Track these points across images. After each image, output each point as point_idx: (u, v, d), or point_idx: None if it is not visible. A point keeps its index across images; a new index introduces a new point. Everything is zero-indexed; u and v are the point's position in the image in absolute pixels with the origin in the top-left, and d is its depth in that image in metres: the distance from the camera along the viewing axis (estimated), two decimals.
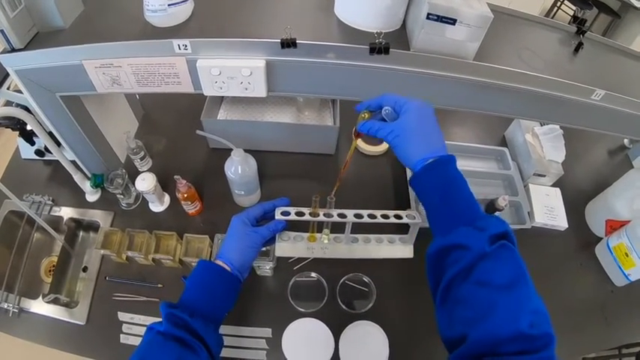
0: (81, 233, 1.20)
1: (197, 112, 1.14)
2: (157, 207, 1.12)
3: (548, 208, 1.17)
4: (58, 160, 1.01)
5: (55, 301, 0.98)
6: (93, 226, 1.18)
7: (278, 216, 0.80)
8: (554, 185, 1.23)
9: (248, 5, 0.83)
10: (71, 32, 0.79)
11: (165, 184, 1.15)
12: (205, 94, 0.81)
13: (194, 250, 1.01)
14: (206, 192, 1.15)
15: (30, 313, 0.97)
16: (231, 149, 0.95)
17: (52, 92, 0.84)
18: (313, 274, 1.02)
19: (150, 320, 0.94)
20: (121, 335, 0.93)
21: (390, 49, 0.72)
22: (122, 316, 0.95)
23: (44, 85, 0.82)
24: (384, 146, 1.24)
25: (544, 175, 1.20)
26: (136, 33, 0.78)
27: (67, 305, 0.99)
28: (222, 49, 0.74)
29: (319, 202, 0.78)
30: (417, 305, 0.97)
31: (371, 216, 0.81)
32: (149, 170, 1.17)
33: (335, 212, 0.81)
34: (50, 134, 0.95)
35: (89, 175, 1.10)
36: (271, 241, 0.82)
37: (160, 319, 0.65)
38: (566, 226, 1.15)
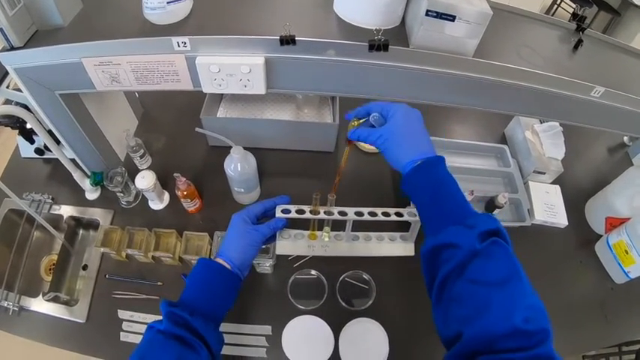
0: (81, 231, 1.20)
1: (196, 109, 1.14)
2: (157, 205, 1.12)
3: (548, 206, 1.17)
4: (57, 159, 1.01)
5: (55, 300, 0.98)
6: (93, 224, 1.18)
7: (278, 214, 0.80)
8: (554, 183, 1.23)
9: (247, 2, 0.83)
10: (70, 30, 0.79)
11: (165, 181, 1.15)
12: (204, 91, 0.81)
13: (194, 247, 1.01)
14: (206, 190, 1.15)
15: (30, 311, 0.97)
16: (230, 147, 0.95)
17: (51, 90, 0.84)
18: (313, 272, 1.02)
19: (150, 318, 0.94)
20: (121, 333, 0.93)
21: (389, 46, 0.71)
22: (122, 313, 0.95)
23: (43, 84, 0.82)
24: None
25: (544, 173, 1.20)
26: (135, 30, 0.77)
27: (67, 303, 0.99)
28: (222, 47, 0.74)
29: (319, 200, 0.78)
30: (417, 302, 0.97)
31: (372, 214, 0.81)
32: (149, 168, 1.17)
33: (336, 210, 0.81)
34: (50, 132, 0.95)
35: (89, 174, 1.10)
36: (272, 239, 0.82)
37: (160, 317, 0.65)
38: (566, 223, 1.15)
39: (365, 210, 0.81)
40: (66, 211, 1.12)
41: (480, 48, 0.75)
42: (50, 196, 1.13)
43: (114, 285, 0.99)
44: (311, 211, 0.81)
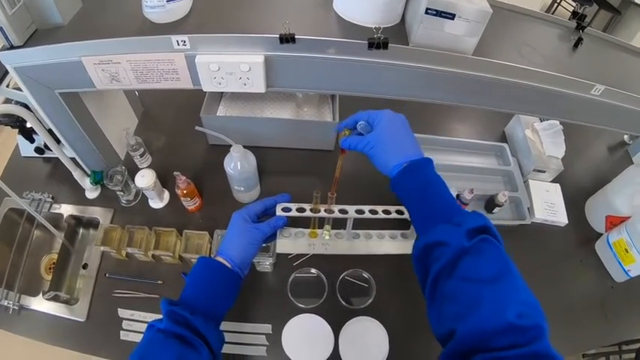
0: (81, 230, 1.20)
1: (196, 108, 1.14)
2: (157, 203, 1.12)
3: (548, 204, 1.17)
4: (57, 158, 1.01)
5: (55, 299, 0.99)
6: (93, 223, 1.18)
7: (279, 212, 0.80)
8: (554, 181, 1.23)
9: (247, 1, 0.83)
10: (70, 29, 0.79)
11: (165, 180, 1.15)
12: (204, 89, 0.81)
13: (194, 246, 1.01)
14: (205, 188, 1.15)
15: (30, 310, 0.97)
16: (230, 145, 0.95)
17: (51, 89, 0.84)
18: (313, 270, 1.02)
19: (150, 317, 0.94)
20: (121, 332, 0.93)
21: (389, 44, 0.71)
22: (122, 312, 0.95)
23: (43, 82, 0.82)
24: None
25: (544, 171, 1.20)
26: (134, 29, 0.77)
27: (67, 302, 0.99)
28: (221, 45, 0.74)
29: (320, 198, 0.78)
30: (416, 301, 0.96)
31: (372, 212, 0.81)
32: (149, 167, 1.17)
33: (336, 208, 0.81)
34: (50, 131, 0.95)
35: (89, 172, 1.10)
36: (272, 237, 0.82)
37: (160, 316, 0.65)
38: (566, 222, 1.15)
39: (366, 208, 0.81)
40: (66, 210, 1.12)
41: (479, 46, 0.75)
42: (50, 195, 1.13)
43: (114, 284, 0.99)
44: (311, 210, 0.81)
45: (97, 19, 0.82)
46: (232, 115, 1.26)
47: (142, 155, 1.17)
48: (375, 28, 0.71)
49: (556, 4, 3.88)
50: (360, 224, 0.84)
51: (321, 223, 0.86)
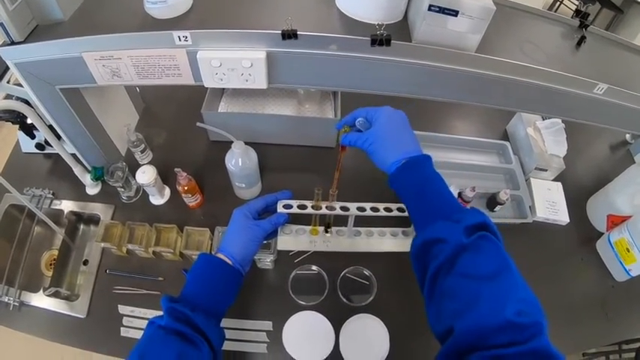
0: (81, 226, 1.20)
1: (198, 104, 1.14)
2: (158, 200, 1.12)
3: (549, 203, 1.17)
4: (58, 154, 1.00)
5: (56, 295, 0.99)
6: (93, 219, 1.18)
7: (280, 209, 0.80)
8: (555, 180, 1.23)
9: None
10: (71, 24, 0.79)
11: (166, 176, 1.15)
12: (206, 85, 0.81)
13: (194, 243, 1.01)
14: (207, 185, 1.15)
15: (30, 306, 0.97)
16: (231, 142, 0.95)
17: (51, 85, 0.83)
18: (314, 267, 1.02)
19: (150, 313, 0.94)
20: (122, 328, 0.93)
21: (392, 41, 0.71)
22: (122, 309, 0.95)
23: (44, 78, 0.81)
24: None
25: (546, 170, 1.20)
26: (135, 25, 0.77)
27: (67, 298, 0.99)
28: (223, 41, 0.74)
29: (321, 195, 0.78)
30: (417, 299, 0.95)
31: (374, 209, 0.81)
32: (149, 163, 1.17)
33: (338, 205, 0.81)
34: (50, 127, 0.95)
35: (89, 168, 1.10)
36: (273, 234, 0.82)
37: (160, 313, 0.65)
38: (568, 220, 1.15)
39: (367, 205, 0.81)
40: (66, 206, 1.12)
41: (482, 44, 0.75)
42: (51, 191, 1.13)
43: (114, 280, 0.99)
44: (313, 207, 0.80)
45: (97, 14, 0.81)
46: (234, 112, 1.25)
47: (142, 151, 1.17)
48: (378, 24, 0.71)
49: (558, 2, 3.86)
50: (361, 221, 0.84)
51: (322, 220, 0.85)
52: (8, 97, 0.94)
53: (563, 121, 1.23)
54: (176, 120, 1.32)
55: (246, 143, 0.97)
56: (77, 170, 1.07)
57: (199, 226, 1.00)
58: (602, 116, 0.89)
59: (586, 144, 1.40)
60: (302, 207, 0.80)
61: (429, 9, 0.68)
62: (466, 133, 1.34)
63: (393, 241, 0.87)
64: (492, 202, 1.11)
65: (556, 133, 1.22)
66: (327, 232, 0.86)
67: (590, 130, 1.41)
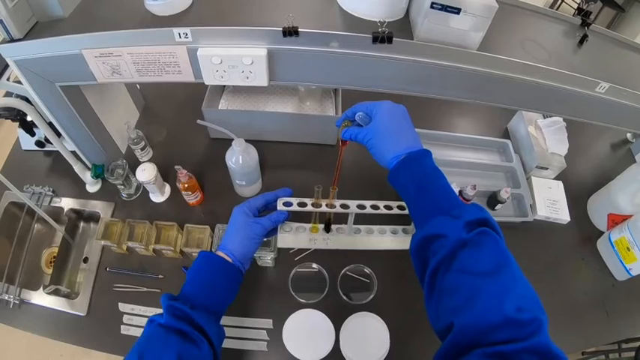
0: (81, 224, 1.20)
1: (198, 102, 1.14)
2: (158, 197, 1.12)
3: (550, 201, 1.16)
4: (58, 151, 1.00)
5: (56, 293, 0.98)
6: (93, 217, 1.18)
7: (280, 206, 0.79)
8: (556, 178, 1.23)
9: None
10: (71, 21, 0.78)
11: (166, 174, 1.14)
12: (206, 83, 0.80)
13: (195, 240, 1.01)
14: (207, 182, 1.15)
15: (31, 304, 0.97)
16: (232, 139, 0.95)
17: (51, 82, 0.83)
18: (314, 265, 1.02)
19: (150, 311, 0.94)
20: (122, 326, 0.93)
21: (393, 39, 0.71)
22: (123, 307, 0.95)
23: (44, 76, 0.81)
24: None
25: (547, 168, 1.20)
26: (136, 22, 0.77)
27: (67, 296, 0.99)
28: (224, 38, 0.74)
29: (321, 193, 0.78)
30: (418, 297, 0.95)
31: (374, 207, 0.80)
32: (150, 160, 1.17)
33: (338, 203, 0.80)
34: (50, 125, 0.94)
35: (89, 166, 1.10)
36: (273, 232, 0.82)
37: (160, 311, 0.65)
38: (569, 219, 1.15)
39: (367, 203, 0.81)
40: (67, 203, 1.12)
41: (484, 41, 0.74)
42: (51, 189, 1.12)
43: (115, 278, 0.99)
44: (313, 204, 0.80)
45: (98, 11, 0.81)
46: (234, 109, 1.25)
47: (142, 149, 1.16)
48: (380, 22, 0.71)
49: (560, 0, 3.85)
50: (362, 219, 0.84)
51: (322, 217, 0.85)
52: (8, 94, 0.94)
53: (564, 120, 1.23)
54: (176, 117, 1.32)
55: (246, 141, 0.96)
56: (77, 168, 1.07)
57: (199, 224, 1.00)
58: (603, 115, 0.88)
59: (587, 143, 1.39)
60: (302, 204, 0.80)
61: (431, 6, 0.67)
62: (467, 131, 1.33)
63: (394, 239, 0.87)
64: (493, 200, 1.11)
65: (557, 131, 1.22)
66: (327, 229, 0.86)
67: (591, 128, 1.41)
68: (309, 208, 0.80)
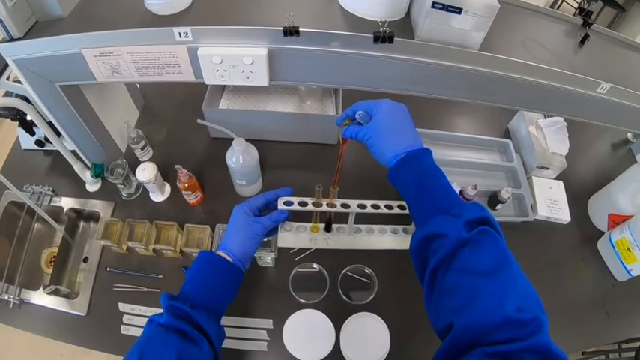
0: (81, 224, 1.20)
1: (198, 101, 1.14)
2: (158, 197, 1.12)
3: (551, 201, 1.16)
4: (58, 151, 1.00)
5: (56, 292, 0.98)
6: (93, 217, 1.17)
7: (280, 206, 0.79)
8: (557, 178, 1.23)
9: None
10: (70, 21, 0.78)
11: (166, 173, 1.14)
12: (206, 82, 0.80)
13: (195, 240, 1.01)
14: (207, 182, 1.14)
15: (31, 304, 0.96)
16: (232, 139, 0.95)
17: (51, 82, 0.83)
18: (315, 265, 1.01)
19: (150, 311, 0.94)
20: (122, 326, 0.93)
21: (395, 38, 0.70)
22: (123, 306, 0.95)
23: (43, 75, 0.81)
24: None
25: (547, 168, 1.20)
26: (135, 21, 0.77)
27: (67, 296, 0.99)
28: (224, 37, 0.73)
29: (321, 192, 0.78)
30: (418, 297, 0.95)
31: (375, 206, 0.80)
32: (150, 160, 1.16)
33: (338, 202, 0.80)
34: (50, 124, 0.94)
35: (89, 165, 1.10)
36: (273, 231, 0.82)
37: (160, 310, 0.65)
38: (569, 219, 1.15)
39: (368, 203, 0.80)
40: (66, 203, 1.12)
41: (485, 41, 0.74)
42: (51, 188, 1.12)
43: (115, 278, 0.99)
44: (313, 204, 0.80)
45: (97, 10, 0.81)
46: (234, 109, 1.25)
47: (142, 148, 1.16)
48: (381, 21, 0.70)
49: (560, 0, 3.85)
50: (363, 219, 0.83)
51: (322, 217, 0.85)
52: (8, 94, 0.94)
53: (565, 120, 1.23)
54: (176, 117, 1.32)
55: (246, 140, 0.96)
56: (77, 167, 1.06)
57: (200, 224, 1.00)
58: (604, 115, 0.88)
59: (588, 143, 1.39)
60: (302, 204, 0.80)
61: (433, 6, 0.67)
62: (468, 131, 1.33)
63: (394, 239, 0.87)
64: (494, 200, 1.11)
65: (558, 131, 1.22)
66: (327, 229, 0.86)
67: (591, 128, 1.40)
68: (310, 207, 0.80)
